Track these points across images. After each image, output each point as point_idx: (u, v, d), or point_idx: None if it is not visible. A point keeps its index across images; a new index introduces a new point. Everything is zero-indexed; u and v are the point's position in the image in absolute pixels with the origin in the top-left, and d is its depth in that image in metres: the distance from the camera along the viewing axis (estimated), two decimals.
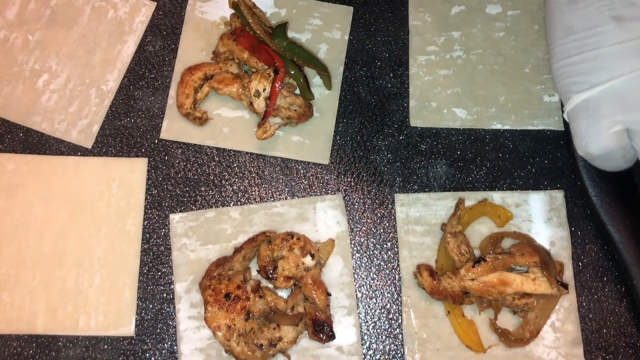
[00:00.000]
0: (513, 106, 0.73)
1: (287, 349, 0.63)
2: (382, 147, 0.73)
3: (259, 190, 0.71)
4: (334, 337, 0.63)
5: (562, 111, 0.65)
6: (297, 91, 0.71)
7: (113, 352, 0.66)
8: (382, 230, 0.70)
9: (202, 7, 0.77)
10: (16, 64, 0.74)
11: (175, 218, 0.70)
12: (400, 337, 0.66)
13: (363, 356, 0.66)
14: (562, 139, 0.72)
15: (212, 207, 0.71)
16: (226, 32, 0.73)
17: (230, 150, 0.72)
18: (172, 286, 0.68)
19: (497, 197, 0.70)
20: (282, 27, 0.72)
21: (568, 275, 0.67)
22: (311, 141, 0.72)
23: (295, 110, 0.69)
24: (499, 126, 0.73)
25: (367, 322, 0.67)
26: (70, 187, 0.70)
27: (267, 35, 0.70)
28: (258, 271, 0.66)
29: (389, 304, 0.68)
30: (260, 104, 0.68)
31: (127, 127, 0.73)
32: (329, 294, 0.65)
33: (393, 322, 0.67)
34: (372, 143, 0.73)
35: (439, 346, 0.65)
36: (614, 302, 0.67)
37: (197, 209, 0.70)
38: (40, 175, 0.71)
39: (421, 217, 0.69)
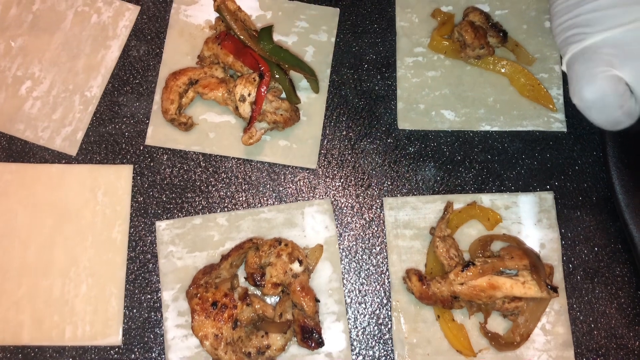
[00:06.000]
0: (502, 107, 0.73)
1: (275, 356, 0.63)
2: (370, 150, 0.72)
3: (246, 196, 0.70)
4: (323, 344, 0.63)
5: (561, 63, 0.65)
6: (283, 95, 0.70)
7: None
8: (370, 235, 0.69)
9: (187, 11, 0.76)
10: None
11: (161, 225, 0.69)
12: (390, 343, 0.66)
13: None
14: (552, 139, 0.72)
15: (198, 213, 0.70)
16: (211, 36, 0.72)
17: (217, 155, 0.72)
18: (159, 294, 0.67)
19: (486, 199, 0.69)
20: (268, 30, 0.71)
21: (558, 277, 0.67)
22: (298, 145, 0.71)
23: (281, 114, 0.68)
24: (487, 127, 0.72)
25: (356, 327, 0.67)
26: (55, 195, 0.70)
27: (252, 40, 0.69)
28: (246, 278, 0.65)
29: (378, 309, 0.67)
30: (245, 109, 0.67)
31: (112, 133, 0.72)
32: (317, 300, 0.64)
33: (383, 327, 0.67)
34: (360, 146, 0.72)
35: (429, 351, 0.65)
36: (605, 304, 0.67)
37: (183, 216, 0.70)
38: (25, 184, 0.70)
39: (410, 220, 0.69)
